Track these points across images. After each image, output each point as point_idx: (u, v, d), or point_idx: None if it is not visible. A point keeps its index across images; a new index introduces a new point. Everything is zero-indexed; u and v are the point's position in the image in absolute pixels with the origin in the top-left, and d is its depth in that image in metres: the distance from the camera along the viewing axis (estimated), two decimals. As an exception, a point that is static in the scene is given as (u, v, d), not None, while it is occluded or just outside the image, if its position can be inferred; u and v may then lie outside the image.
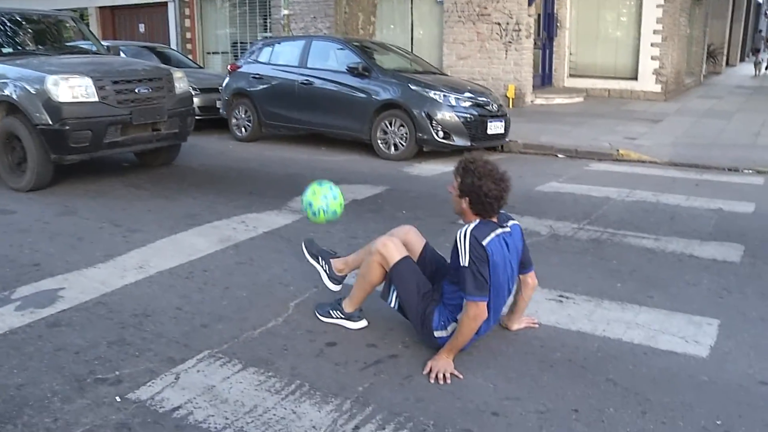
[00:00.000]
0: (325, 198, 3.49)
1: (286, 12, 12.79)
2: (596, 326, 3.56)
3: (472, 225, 3.00)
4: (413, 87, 8.20)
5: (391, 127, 8.31)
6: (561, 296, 3.95)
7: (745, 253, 4.81)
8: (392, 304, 3.32)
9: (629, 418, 2.74)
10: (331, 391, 2.87)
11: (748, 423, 2.72)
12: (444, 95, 8.10)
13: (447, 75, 10.01)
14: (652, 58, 14.32)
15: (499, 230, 3.05)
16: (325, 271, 3.66)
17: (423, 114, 8.02)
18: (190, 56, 14.45)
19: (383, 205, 5.99)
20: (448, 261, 3.22)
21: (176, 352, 3.16)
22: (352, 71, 8.55)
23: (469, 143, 8.09)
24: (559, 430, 2.65)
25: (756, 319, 3.70)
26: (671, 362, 3.20)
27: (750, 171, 8.07)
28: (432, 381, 2.93)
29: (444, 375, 2.95)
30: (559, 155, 9.24)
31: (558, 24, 15.20)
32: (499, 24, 13.42)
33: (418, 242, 3.47)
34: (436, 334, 3.16)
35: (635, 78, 14.67)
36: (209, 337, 3.32)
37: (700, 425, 2.69)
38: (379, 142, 8.43)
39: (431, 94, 8.10)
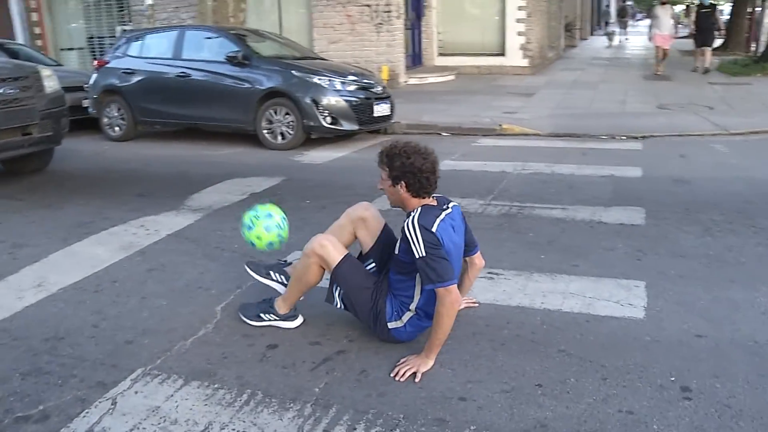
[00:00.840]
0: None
1: (150, 2, 12.06)
2: (533, 299, 3.62)
3: (417, 214, 2.93)
4: (297, 73, 8.02)
5: (276, 116, 8.08)
6: (490, 273, 3.98)
7: (647, 215, 5.11)
8: (338, 306, 3.20)
9: (591, 385, 2.80)
10: (287, 397, 2.71)
11: (697, 375, 2.88)
12: (329, 80, 7.98)
13: (326, 60, 9.85)
14: (518, 33, 14.94)
15: (443, 214, 3.00)
16: (281, 282, 3.45)
17: (309, 100, 7.86)
18: (42, 53, 13.24)
19: (285, 197, 5.80)
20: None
21: (105, 374, 2.85)
22: (231, 60, 8.22)
23: (357, 127, 8.05)
24: (528, 407, 2.66)
25: (675, 277, 3.92)
26: (613, 327, 3.31)
27: (625, 137, 8.60)
28: (392, 374, 2.85)
29: (405, 372, 2.86)
30: (443, 133, 9.40)
31: (426, 3, 15.46)
32: (369, 6, 13.43)
33: (376, 223, 3.36)
34: (391, 326, 3.08)
35: (503, 54, 15.26)
36: (138, 354, 3.04)
37: (657, 384, 2.80)
38: (264, 132, 8.17)
39: (316, 79, 7.96)
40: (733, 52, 19.95)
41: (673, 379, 2.86)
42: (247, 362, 2.99)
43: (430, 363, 2.91)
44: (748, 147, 8.04)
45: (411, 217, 2.93)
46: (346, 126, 8.00)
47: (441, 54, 15.72)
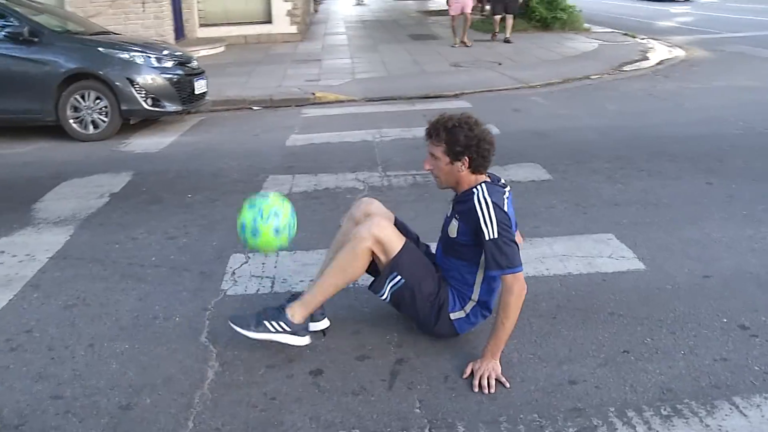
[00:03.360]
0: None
1: None
2: (536, 267, 3.64)
3: (484, 191, 2.72)
4: (103, 50, 6.96)
5: (84, 101, 6.92)
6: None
7: (547, 170, 5.37)
8: (385, 297, 2.85)
9: (668, 341, 2.93)
10: (396, 427, 2.38)
11: (740, 312, 3.13)
12: (145, 56, 7.06)
13: (118, 33, 8.67)
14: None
15: (506, 191, 2.83)
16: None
17: (123, 81, 6.85)
18: None
19: (159, 194, 5.08)
20: (448, 233, 2.86)
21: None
22: (14, 38, 6.78)
23: (181, 107, 7.28)
24: (637, 375, 2.69)
25: (631, 225, 4.23)
26: (631, 281, 3.48)
27: (447, 96, 9.01)
28: (476, 389, 2.60)
29: (489, 381, 2.62)
30: (255, 108, 8.96)
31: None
32: (129, -28, 12.12)
33: (385, 214, 3.04)
34: (453, 316, 2.84)
35: (270, 21, 14.94)
36: (152, 421, 2.44)
37: (718, 327, 3.01)
38: (71, 122, 6.96)
39: (128, 55, 6.97)
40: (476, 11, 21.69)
41: (725, 320, 3.05)
42: (305, 399, 2.56)
43: (499, 365, 2.68)
44: (559, 97, 8.91)
45: (478, 194, 2.71)
46: (170, 107, 7.16)
47: (203, 25, 14.81)
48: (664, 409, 2.44)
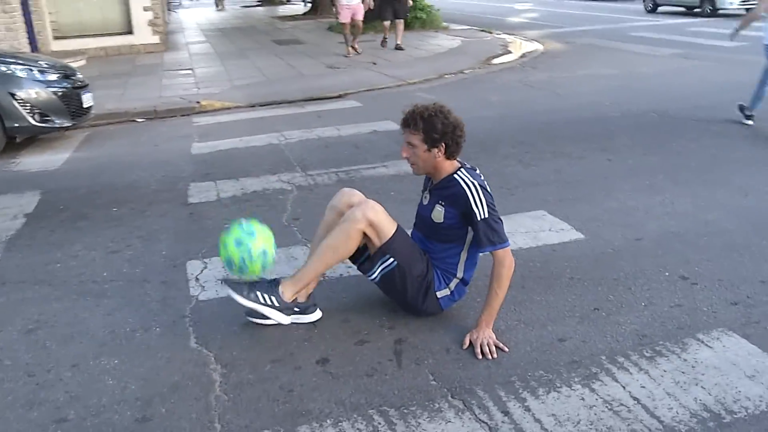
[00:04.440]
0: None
1: None
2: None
3: (467, 174, 2.95)
4: (-22, 63, 6.50)
5: (-41, 121, 6.44)
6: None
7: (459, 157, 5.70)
8: (375, 278, 3.01)
9: (627, 296, 3.30)
10: (421, 403, 2.56)
11: (676, 265, 3.58)
12: (28, 68, 6.67)
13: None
14: (145, 9, 14.28)
15: (480, 174, 3.07)
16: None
17: (5, 95, 6.46)
18: None
19: (82, 211, 4.87)
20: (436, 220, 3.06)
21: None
22: None
23: (71, 122, 6.97)
24: (613, 327, 3.01)
25: (558, 201, 4.65)
26: (577, 249, 3.86)
27: (328, 98, 9.16)
28: (479, 357, 2.82)
29: (489, 348, 2.85)
30: (139, 120, 8.73)
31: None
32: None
33: None
34: (439, 294, 3.05)
35: (130, 32, 14.42)
36: (174, 426, 2.47)
37: (664, 280, 3.44)
38: (-56, 143, 6.45)
39: (7, 68, 6.57)
40: (322, 15, 22.03)
41: (667, 273, 3.48)
42: (323, 386, 2.66)
43: (492, 333, 2.91)
44: (443, 92, 9.33)
45: (464, 179, 2.92)
46: (59, 122, 6.81)
47: (57, 37, 13.98)
48: (646, 352, 2.78)
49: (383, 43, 13.51)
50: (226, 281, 3.01)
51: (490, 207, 2.88)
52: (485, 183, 2.97)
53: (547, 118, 7.24)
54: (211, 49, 14.99)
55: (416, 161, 2.99)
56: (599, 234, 4.03)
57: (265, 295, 2.95)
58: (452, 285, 3.08)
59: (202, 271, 3.72)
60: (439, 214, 2.99)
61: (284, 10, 27.42)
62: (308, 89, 9.78)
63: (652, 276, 3.46)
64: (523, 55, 12.78)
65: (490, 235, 2.85)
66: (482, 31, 16.53)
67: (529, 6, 26.02)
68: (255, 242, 2.87)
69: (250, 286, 2.97)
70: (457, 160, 3.06)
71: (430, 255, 3.07)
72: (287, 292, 2.98)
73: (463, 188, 2.89)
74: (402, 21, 13.16)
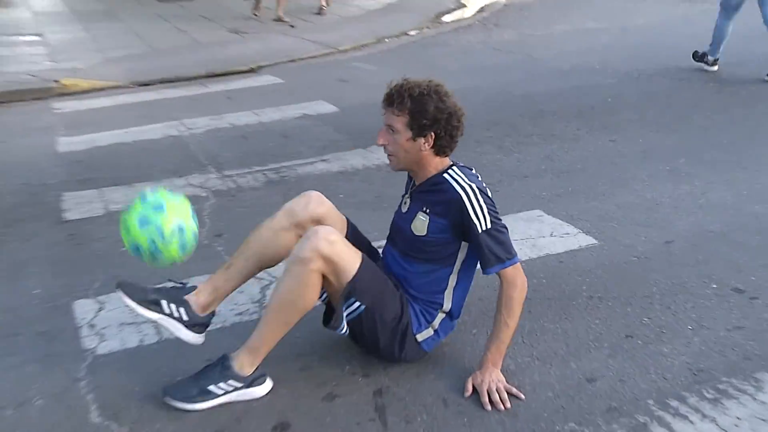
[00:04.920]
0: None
1: None
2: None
3: (461, 175, 2.89)
4: None
5: None
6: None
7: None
8: (343, 332, 2.92)
9: (665, 316, 3.33)
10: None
11: (727, 274, 3.65)
12: None
13: None
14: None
15: (478, 175, 3.03)
16: (179, 319, 2.89)
17: None
18: None
19: None
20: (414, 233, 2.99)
21: None
22: None
23: None
24: (653, 359, 3.02)
25: (553, 197, 4.72)
26: (590, 259, 3.89)
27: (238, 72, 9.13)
28: (488, 407, 2.77)
29: (500, 395, 2.80)
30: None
31: None
32: None
33: (338, 218, 3.12)
34: (420, 337, 2.99)
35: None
36: None
37: (713, 294, 3.48)
38: None
39: None
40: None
41: (715, 285, 3.53)
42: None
43: (500, 374, 2.87)
44: (386, 60, 9.41)
45: (458, 181, 2.87)
46: None
47: None
48: (707, 392, 2.78)
49: (256, 10, 12.86)
50: (165, 393, 2.83)
51: (493, 214, 2.83)
52: (485, 187, 2.90)
53: (524, 89, 7.32)
54: (64, 6, 14.55)
55: (396, 151, 2.91)
56: (616, 237, 4.06)
57: (222, 384, 2.80)
58: (436, 322, 3.02)
59: (97, 313, 3.56)
60: (421, 225, 2.92)
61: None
62: (209, 62, 9.63)
63: (695, 290, 3.49)
64: (481, 9, 12.96)
65: (496, 249, 2.81)
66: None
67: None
68: (165, 218, 2.74)
69: (198, 385, 2.81)
70: (449, 159, 2.99)
71: (408, 281, 3.00)
72: (246, 367, 2.83)
73: (458, 192, 2.83)
74: None
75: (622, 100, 6.65)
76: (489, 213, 2.82)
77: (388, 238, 3.16)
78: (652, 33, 9.72)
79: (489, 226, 2.80)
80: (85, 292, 3.77)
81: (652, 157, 5.21)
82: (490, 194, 2.90)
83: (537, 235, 4.14)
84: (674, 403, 2.73)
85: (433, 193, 2.91)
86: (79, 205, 4.96)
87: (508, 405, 2.76)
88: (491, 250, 2.80)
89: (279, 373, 2.99)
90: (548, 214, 4.38)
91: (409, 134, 2.85)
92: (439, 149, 2.90)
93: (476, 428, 2.67)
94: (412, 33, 11.15)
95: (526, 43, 9.71)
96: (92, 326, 3.46)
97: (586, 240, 4.05)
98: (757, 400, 2.72)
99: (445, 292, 3.00)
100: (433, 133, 2.85)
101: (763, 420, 2.62)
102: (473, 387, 2.86)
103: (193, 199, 4.85)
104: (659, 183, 4.76)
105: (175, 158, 5.86)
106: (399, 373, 2.99)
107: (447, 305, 3.01)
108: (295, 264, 2.77)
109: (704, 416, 2.65)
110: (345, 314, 2.87)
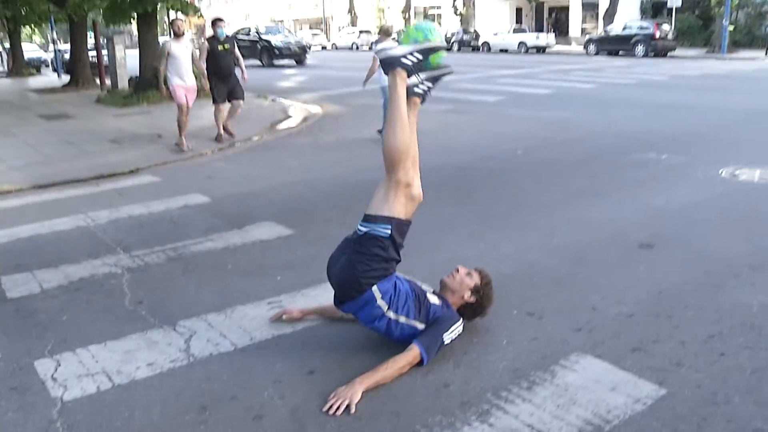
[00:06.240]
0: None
1: None
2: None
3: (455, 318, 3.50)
4: None
5: None
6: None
7: (282, 225, 5.91)
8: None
9: (491, 337, 3.65)
10: None
11: (525, 301, 4.07)
12: None
13: None
14: None
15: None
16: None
17: None
18: None
19: None
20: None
21: None
22: None
23: None
24: (478, 362, 3.35)
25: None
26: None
27: (121, 174, 8.94)
28: (332, 412, 2.93)
29: (340, 405, 2.95)
30: None
31: None
32: None
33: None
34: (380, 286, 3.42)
35: None
36: None
37: (519, 316, 3.86)
38: None
39: None
40: (84, 87, 21.19)
41: (515, 312, 3.94)
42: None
43: (360, 393, 3.02)
44: (240, 160, 9.58)
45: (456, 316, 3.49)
46: None
47: None
48: (523, 383, 3.18)
49: (219, 138, 10.53)
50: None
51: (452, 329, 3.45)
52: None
53: (351, 180, 7.66)
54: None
55: (458, 284, 3.56)
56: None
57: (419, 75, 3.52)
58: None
59: (56, 369, 3.49)
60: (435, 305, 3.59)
61: (37, 82, 25.68)
62: (96, 166, 9.36)
63: (503, 315, 3.87)
64: (304, 119, 13.28)
65: (431, 338, 3.30)
66: (258, 97, 16.85)
67: (293, 71, 26.98)
68: (435, 33, 3.51)
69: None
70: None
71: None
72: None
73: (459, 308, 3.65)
74: (240, 101, 10.69)
75: (425, 184, 7.07)
76: (452, 329, 3.49)
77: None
78: (435, 135, 10.34)
79: (447, 335, 3.44)
80: (42, 352, 3.68)
81: (455, 226, 5.66)
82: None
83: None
84: (504, 393, 3.07)
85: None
86: (17, 285, 4.77)
87: (339, 413, 2.93)
88: (431, 334, 3.32)
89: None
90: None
91: (468, 293, 3.62)
92: (464, 312, 3.67)
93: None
94: (255, 138, 11.32)
95: (343, 142, 10.14)
96: (55, 379, 3.40)
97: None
98: (554, 384, 3.15)
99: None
100: (470, 304, 3.67)
101: (559, 396, 3.04)
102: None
103: (111, 275, 4.89)
104: (464, 243, 5.20)
105: (88, 244, 5.71)
106: (303, 382, 3.13)
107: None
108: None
109: (524, 399, 3.03)
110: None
